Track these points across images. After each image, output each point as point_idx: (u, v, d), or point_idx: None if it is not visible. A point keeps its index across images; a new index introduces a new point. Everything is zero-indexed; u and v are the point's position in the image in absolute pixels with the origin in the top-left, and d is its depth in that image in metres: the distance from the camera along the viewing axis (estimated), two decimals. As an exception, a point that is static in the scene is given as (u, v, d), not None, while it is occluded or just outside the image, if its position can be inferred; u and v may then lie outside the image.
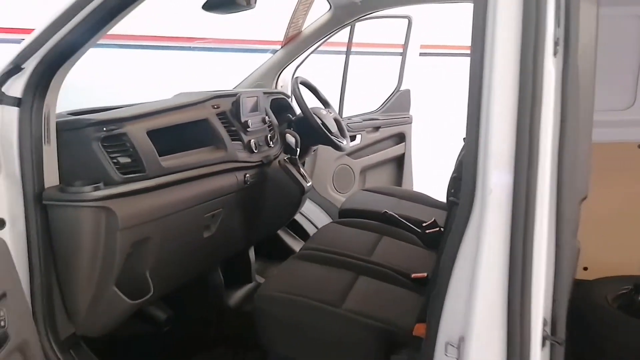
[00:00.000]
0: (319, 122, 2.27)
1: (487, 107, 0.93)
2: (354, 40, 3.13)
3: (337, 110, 3.36)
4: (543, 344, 0.94)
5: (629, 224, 2.42)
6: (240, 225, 1.86)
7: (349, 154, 3.22)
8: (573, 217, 1.02)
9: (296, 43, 2.68)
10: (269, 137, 2.03)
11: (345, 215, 2.21)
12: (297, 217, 2.73)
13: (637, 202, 2.42)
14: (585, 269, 2.46)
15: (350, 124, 3.19)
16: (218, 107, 1.81)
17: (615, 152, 2.45)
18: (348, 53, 3.19)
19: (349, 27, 3.01)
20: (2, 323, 0.87)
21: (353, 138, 3.20)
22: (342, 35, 3.02)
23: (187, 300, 1.88)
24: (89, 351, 1.35)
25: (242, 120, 1.88)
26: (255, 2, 1.98)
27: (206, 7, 1.93)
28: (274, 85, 2.72)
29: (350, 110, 3.26)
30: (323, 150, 2.99)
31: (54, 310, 1.27)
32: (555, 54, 0.90)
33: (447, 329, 1.01)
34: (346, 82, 3.25)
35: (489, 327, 0.95)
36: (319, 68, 2.93)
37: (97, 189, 1.26)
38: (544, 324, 0.94)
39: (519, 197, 0.91)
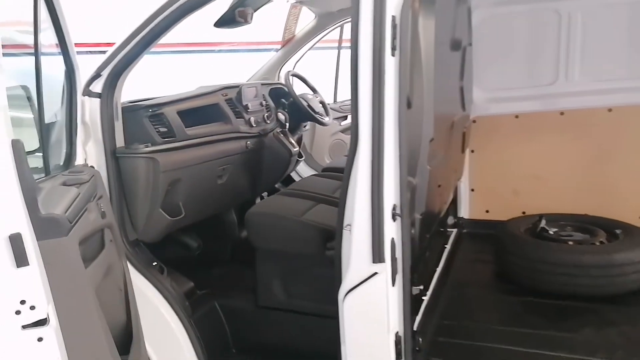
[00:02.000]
0: (305, 104, 3.04)
1: (357, 86, 1.65)
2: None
3: (333, 95, 4.13)
4: (394, 219, 1.67)
5: (534, 178, 3.08)
6: (245, 178, 2.64)
7: (342, 131, 3.98)
8: (408, 150, 1.71)
9: (291, 44, 3.45)
10: (265, 116, 2.81)
11: (325, 171, 2.97)
12: (298, 179, 3.50)
13: (550, 161, 3.07)
14: (487, 211, 3.17)
15: (342, 106, 3.94)
16: (226, 95, 2.60)
17: (541, 119, 3.12)
18: (339, 48, 3.94)
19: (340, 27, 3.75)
20: (102, 212, 1.66)
21: (345, 118, 3.95)
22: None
23: (210, 233, 2.68)
24: (146, 249, 2.16)
25: (244, 103, 2.67)
26: (252, 19, 2.75)
27: (217, 25, 2.74)
28: (276, 77, 3.49)
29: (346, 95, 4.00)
30: (321, 128, 3.75)
31: (124, 222, 2.07)
32: (393, 54, 1.62)
33: (346, 217, 1.74)
34: (339, 72, 4.00)
35: (362, 214, 1.67)
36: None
37: (147, 146, 2.06)
38: (394, 208, 1.67)
39: (374, 141, 1.63)
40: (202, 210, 2.40)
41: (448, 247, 2.90)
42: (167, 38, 2.13)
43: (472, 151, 3.30)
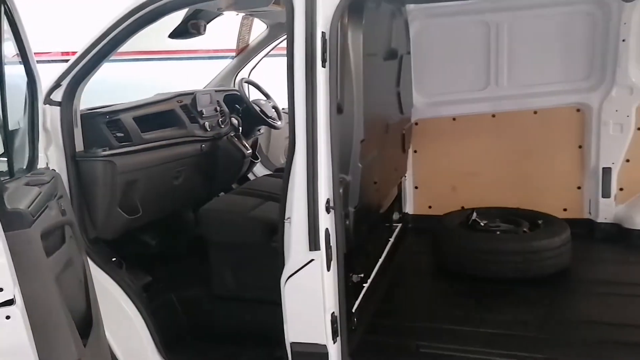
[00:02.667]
0: (258, 109, 3.25)
1: (293, 94, 1.86)
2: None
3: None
4: (328, 212, 1.89)
5: (470, 175, 3.37)
6: (200, 179, 2.82)
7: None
8: (339, 150, 1.93)
9: (245, 53, 3.64)
10: (219, 121, 3.00)
11: (277, 171, 3.18)
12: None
13: (483, 159, 3.36)
14: (430, 207, 3.45)
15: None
16: (181, 102, 2.78)
17: (476, 121, 3.41)
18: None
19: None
20: (62, 210, 1.83)
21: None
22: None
23: (169, 231, 2.85)
24: (105, 246, 2.32)
25: (199, 109, 2.85)
26: (205, 30, 2.94)
27: (171, 36, 2.92)
28: (231, 84, 3.68)
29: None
30: (276, 131, 3.95)
31: (84, 220, 2.23)
32: (323, 66, 1.84)
33: (286, 211, 1.94)
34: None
35: (300, 208, 1.88)
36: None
37: (104, 150, 2.23)
38: (327, 201, 1.89)
39: (309, 142, 1.85)
40: (159, 209, 2.57)
41: (392, 240, 3.15)
42: (129, 47, 2.31)
43: (415, 151, 3.56)
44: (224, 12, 2.87)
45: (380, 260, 2.83)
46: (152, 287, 2.43)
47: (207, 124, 2.86)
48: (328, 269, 1.91)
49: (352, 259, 2.27)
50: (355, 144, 2.06)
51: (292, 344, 1.97)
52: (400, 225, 3.41)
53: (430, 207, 3.58)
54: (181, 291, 2.50)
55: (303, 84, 1.84)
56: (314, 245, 1.87)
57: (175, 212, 2.76)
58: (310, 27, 1.82)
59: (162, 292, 2.45)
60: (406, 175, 3.54)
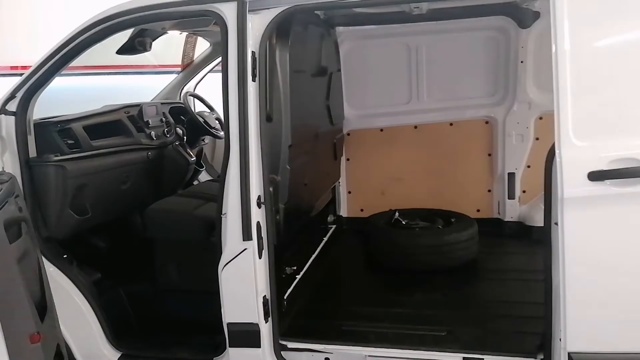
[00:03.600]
0: (202, 120, 3.52)
1: (227, 105, 2.15)
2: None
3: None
4: (259, 207, 2.18)
5: (397, 180, 3.75)
6: (147, 184, 3.05)
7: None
8: (269, 154, 2.23)
9: (191, 68, 3.91)
10: (165, 131, 3.24)
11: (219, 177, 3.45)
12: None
13: (407, 166, 3.74)
14: (362, 210, 3.80)
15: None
16: (128, 112, 3.01)
17: (401, 132, 3.79)
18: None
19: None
20: (19, 207, 2.03)
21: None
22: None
23: (118, 233, 3.05)
24: (57, 244, 2.51)
25: (145, 120, 3.09)
26: (150, 47, 3.19)
27: (119, 52, 3.15)
28: (178, 97, 3.93)
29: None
30: (221, 141, 4.20)
31: (37, 220, 2.42)
32: (254, 80, 2.14)
33: (223, 207, 2.21)
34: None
35: (234, 204, 2.15)
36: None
37: (56, 156, 2.44)
38: (259, 198, 2.17)
39: (241, 147, 2.13)
40: (107, 211, 2.78)
41: (326, 239, 3.47)
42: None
43: (348, 159, 3.91)
44: (168, 31, 3.13)
45: (314, 255, 3.14)
46: (101, 283, 2.63)
47: (153, 133, 3.10)
48: (260, 257, 2.19)
49: (285, 251, 2.57)
50: (284, 148, 2.37)
51: (228, 324, 2.24)
52: (334, 226, 3.74)
53: (362, 210, 3.92)
54: (129, 286, 2.71)
55: (236, 96, 2.13)
56: (246, 235, 2.15)
57: (123, 214, 2.97)
58: (242, 47, 2.12)
59: (111, 287, 2.66)
60: (340, 181, 3.88)
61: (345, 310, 2.66)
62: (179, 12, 2.27)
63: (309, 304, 2.72)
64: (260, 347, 2.22)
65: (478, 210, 3.67)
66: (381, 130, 3.83)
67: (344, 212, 3.96)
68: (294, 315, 2.55)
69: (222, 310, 2.23)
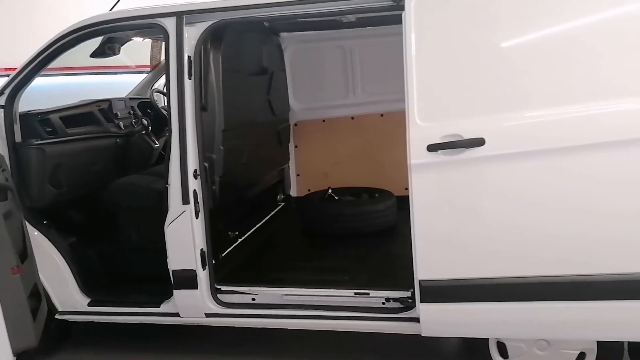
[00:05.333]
0: (166, 113, 4.11)
1: (169, 98, 2.74)
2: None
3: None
4: (195, 178, 2.77)
5: (337, 164, 4.35)
6: (116, 166, 3.64)
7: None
8: (203, 136, 2.83)
9: (158, 69, 4.51)
10: (133, 122, 3.84)
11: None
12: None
13: (346, 152, 4.34)
14: (309, 190, 4.38)
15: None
16: (99, 106, 3.61)
17: (340, 122, 4.38)
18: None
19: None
20: (6, 178, 2.62)
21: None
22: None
23: (94, 208, 3.64)
24: (39, 214, 3.10)
25: (114, 112, 3.69)
26: (120, 51, 3.77)
27: (92, 55, 3.74)
28: (148, 94, 4.52)
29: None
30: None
31: (22, 192, 3.01)
32: (190, 78, 2.73)
33: (168, 180, 2.80)
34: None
35: (175, 176, 2.74)
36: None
37: (37, 141, 3.04)
38: (195, 171, 2.76)
39: (180, 131, 2.71)
40: (80, 187, 3.36)
41: (273, 213, 4.08)
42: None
43: (296, 146, 4.51)
44: (132, 38, 3.72)
45: (259, 225, 3.75)
46: (75, 244, 3.22)
47: (121, 123, 3.69)
48: (196, 217, 2.78)
49: (225, 215, 3.16)
50: (218, 132, 2.96)
51: (173, 270, 2.83)
52: (283, 204, 4.34)
53: (309, 190, 4.51)
54: (98, 247, 3.31)
55: (176, 90, 2.73)
56: (185, 200, 2.75)
57: (95, 190, 3.57)
58: (180, 52, 2.71)
59: (83, 247, 3.25)
60: (290, 165, 4.48)
61: (274, 264, 3.27)
62: (133, 25, 2.87)
63: (246, 259, 3.33)
64: (197, 288, 2.82)
65: (406, 189, 4.24)
66: (323, 121, 4.43)
67: (293, 192, 4.56)
68: (233, 266, 3.15)
69: (167, 259, 2.83)
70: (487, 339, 2.59)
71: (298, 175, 4.56)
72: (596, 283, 2.26)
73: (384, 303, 2.73)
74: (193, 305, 2.87)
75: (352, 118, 4.37)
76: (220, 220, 3.11)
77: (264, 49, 3.72)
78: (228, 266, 3.15)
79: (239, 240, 3.41)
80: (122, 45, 3.77)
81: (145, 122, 3.94)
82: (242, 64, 3.33)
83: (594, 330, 2.36)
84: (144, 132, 3.91)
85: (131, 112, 3.88)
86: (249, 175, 3.54)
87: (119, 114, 3.73)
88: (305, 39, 4.26)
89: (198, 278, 2.82)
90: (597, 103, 2.17)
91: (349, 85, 4.31)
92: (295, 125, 4.45)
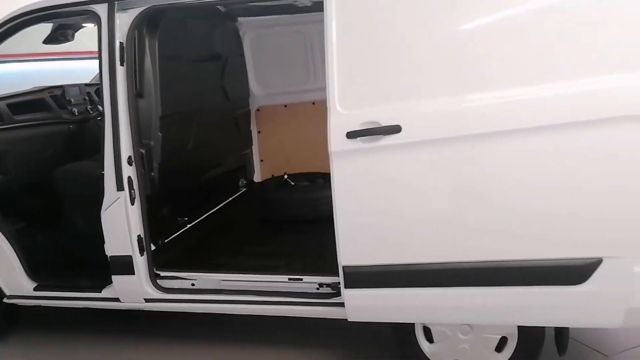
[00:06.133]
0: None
1: (102, 84, 2.75)
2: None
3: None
4: (130, 164, 2.78)
5: (299, 149, 4.35)
6: (69, 153, 3.67)
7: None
8: (142, 123, 2.85)
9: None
10: (88, 107, 3.86)
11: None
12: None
13: (308, 137, 4.32)
14: (273, 175, 4.38)
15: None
16: (52, 92, 3.63)
17: (301, 107, 4.37)
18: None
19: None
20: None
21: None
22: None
23: (46, 194, 3.68)
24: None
25: (67, 98, 3.71)
26: (73, 37, 3.78)
27: (45, 42, 3.75)
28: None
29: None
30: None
31: None
32: (122, 64, 2.74)
33: (104, 167, 2.83)
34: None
35: (109, 163, 2.78)
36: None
37: (-16, 128, 3.08)
38: (129, 158, 2.78)
39: (113, 117, 2.73)
40: (29, 174, 3.39)
41: (232, 198, 4.09)
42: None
43: (259, 132, 4.51)
44: (84, 25, 3.72)
45: (213, 210, 3.77)
46: (23, 230, 3.27)
47: (75, 110, 3.72)
48: (132, 204, 2.80)
49: (169, 201, 3.18)
50: (155, 119, 2.96)
51: (110, 256, 2.87)
52: (245, 189, 4.36)
53: (273, 175, 4.52)
54: (47, 232, 3.36)
55: (108, 77, 2.73)
56: (119, 187, 2.77)
57: (45, 177, 3.60)
58: (112, 39, 2.71)
59: (30, 233, 3.30)
60: (253, 150, 4.49)
61: (218, 249, 3.29)
62: (68, 12, 2.87)
63: (193, 245, 3.35)
64: (135, 274, 2.85)
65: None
66: (285, 106, 4.42)
67: (257, 177, 4.56)
68: (178, 252, 3.18)
69: (105, 245, 2.87)
70: (413, 324, 2.60)
71: (262, 160, 4.56)
72: (511, 269, 2.26)
73: (318, 288, 2.75)
74: (132, 291, 2.91)
75: (313, 103, 4.34)
76: (164, 206, 3.13)
77: (216, 35, 3.70)
78: (174, 251, 3.18)
79: (188, 225, 3.43)
80: (75, 32, 3.77)
81: (101, 108, 3.95)
82: (186, 50, 3.32)
83: (513, 315, 2.36)
84: (99, 118, 3.92)
85: (87, 98, 3.89)
86: (198, 162, 3.55)
87: (72, 100, 3.75)
88: (265, 24, 4.23)
89: (135, 264, 2.85)
90: (508, 91, 2.14)
91: (310, 71, 4.28)
92: (258, 110, 4.44)
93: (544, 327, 2.45)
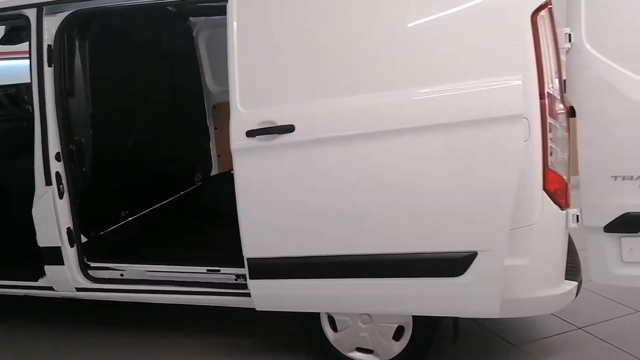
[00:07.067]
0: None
1: (32, 84, 2.90)
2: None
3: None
4: (58, 160, 2.92)
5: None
6: (24, 148, 3.83)
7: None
8: (72, 120, 2.99)
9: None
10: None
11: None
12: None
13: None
14: (230, 171, 4.51)
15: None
16: (6, 91, 3.79)
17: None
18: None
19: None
20: None
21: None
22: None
23: None
24: None
25: (22, 96, 3.86)
26: (28, 37, 3.92)
27: (0, 42, 3.90)
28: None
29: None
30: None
31: None
32: (50, 66, 2.88)
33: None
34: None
35: (38, 159, 2.93)
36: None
37: None
38: (57, 154, 2.92)
39: (42, 115, 2.89)
40: None
41: (184, 192, 4.24)
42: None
43: (216, 128, 4.64)
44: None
45: (161, 204, 3.92)
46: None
47: (30, 107, 3.87)
48: (61, 198, 2.95)
49: (108, 196, 3.33)
50: (86, 116, 3.11)
51: (42, 247, 3.03)
52: (200, 184, 4.50)
53: (230, 171, 4.65)
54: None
55: (37, 78, 2.88)
56: (48, 182, 2.92)
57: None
58: (40, 41, 2.86)
59: None
60: (211, 146, 4.63)
61: (151, 241, 3.43)
62: (2, 16, 3.02)
63: (132, 237, 3.50)
64: (64, 264, 3.01)
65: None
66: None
67: (215, 172, 4.71)
68: (113, 243, 3.33)
69: (36, 236, 3.02)
70: (319, 313, 2.72)
71: (219, 156, 4.69)
72: (401, 262, 2.36)
73: (236, 279, 2.87)
74: (63, 280, 3.06)
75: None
76: (99, 200, 3.27)
77: (164, 35, 3.84)
78: (110, 243, 3.33)
79: (130, 219, 3.58)
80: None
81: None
82: (126, 51, 3.46)
83: (404, 305, 2.46)
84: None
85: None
86: (142, 157, 3.69)
87: (27, 97, 3.90)
88: (218, 24, 4.32)
89: (65, 255, 3.00)
90: (386, 92, 2.24)
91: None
92: (214, 107, 4.58)
93: (438, 318, 2.55)
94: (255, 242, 2.54)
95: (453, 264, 2.28)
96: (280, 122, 2.38)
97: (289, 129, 2.36)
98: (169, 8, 3.93)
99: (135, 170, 3.67)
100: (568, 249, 2.52)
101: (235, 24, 2.46)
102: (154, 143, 3.81)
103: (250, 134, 2.42)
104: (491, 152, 2.14)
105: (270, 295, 2.61)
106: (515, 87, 2.09)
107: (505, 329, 3.03)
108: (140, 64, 3.62)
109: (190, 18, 4.26)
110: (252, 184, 2.48)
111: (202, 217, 3.87)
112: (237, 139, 2.47)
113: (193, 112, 4.25)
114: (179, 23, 4.14)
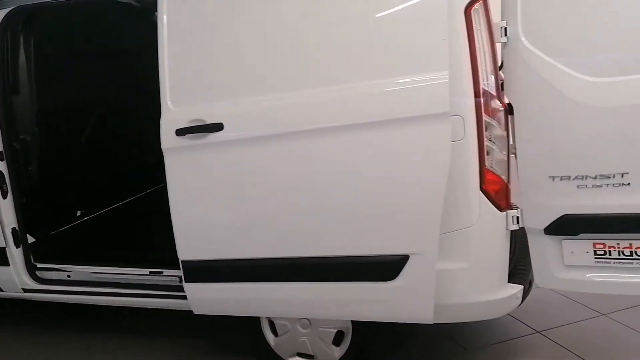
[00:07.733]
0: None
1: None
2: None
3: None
4: (2, 160, 2.88)
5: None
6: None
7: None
8: (15, 119, 2.94)
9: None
10: None
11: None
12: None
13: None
14: None
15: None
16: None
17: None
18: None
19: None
20: None
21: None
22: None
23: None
24: None
25: None
26: None
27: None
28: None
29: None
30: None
31: None
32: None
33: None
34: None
35: None
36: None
37: None
38: (1, 154, 2.88)
39: None
40: None
41: (149, 191, 4.18)
42: None
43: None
44: None
45: (119, 204, 3.86)
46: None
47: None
48: (4, 198, 2.90)
49: (59, 195, 3.28)
50: (31, 114, 3.06)
51: (-13, 249, 2.99)
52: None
53: None
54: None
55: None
56: (-13, 182, 2.88)
57: None
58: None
59: None
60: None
61: (101, 241, 3.38)
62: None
63: (85, 237, 3.45)
64: (10, 265, 2.96)
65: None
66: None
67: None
68: (64, 243, 3.28)
69: (-19, 238, 2.98)
70: (259, 317, 2.65)
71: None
72: (334, 265, 2.28)
73: (179, 282, 2.80)
74: (10, 281, 3.02)
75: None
76: (49, 199, 3.23)
77: (124, 29, 3.77)
78: (60, 243, 3.28)
79: (86, 218, 3.53)
80: None
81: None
82: (77, 46, 3.40)
83: (340, 310, 2.38)
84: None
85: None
86: (97, 156, 3.64)
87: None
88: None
89: (10, 255, 2.95)
90: (312, 90, 2.15)
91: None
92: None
93: (377, 322, 2.47)
94: (189, 244, 2.47)
95: (385, 268, 2.20)
96: (209, 120, 2.30)
97: (218, 127, 2.28)
98: (131, 2, 3.86)
99: (92, 168, 3.62)
100: (519, 251, 2.43)
101: (165, 17, 2.38)
102: (113, 141, 3.76)
103: (180, 132, 2.35)
104: (418, 152, 2.05)
105: (207, 298, 2.54)
106: (441, 85, 1.99)
107: (461, 332, 2.93)
108: (96, 60, 3.56)
109: (156, 13, 4.18)
110: (183, 184, 2.41)
111: (158, 217, 3.80)
112: (167, 137, 2.39)
113: (157, 108, 4.18)
114: (142, 17, 4.06)
